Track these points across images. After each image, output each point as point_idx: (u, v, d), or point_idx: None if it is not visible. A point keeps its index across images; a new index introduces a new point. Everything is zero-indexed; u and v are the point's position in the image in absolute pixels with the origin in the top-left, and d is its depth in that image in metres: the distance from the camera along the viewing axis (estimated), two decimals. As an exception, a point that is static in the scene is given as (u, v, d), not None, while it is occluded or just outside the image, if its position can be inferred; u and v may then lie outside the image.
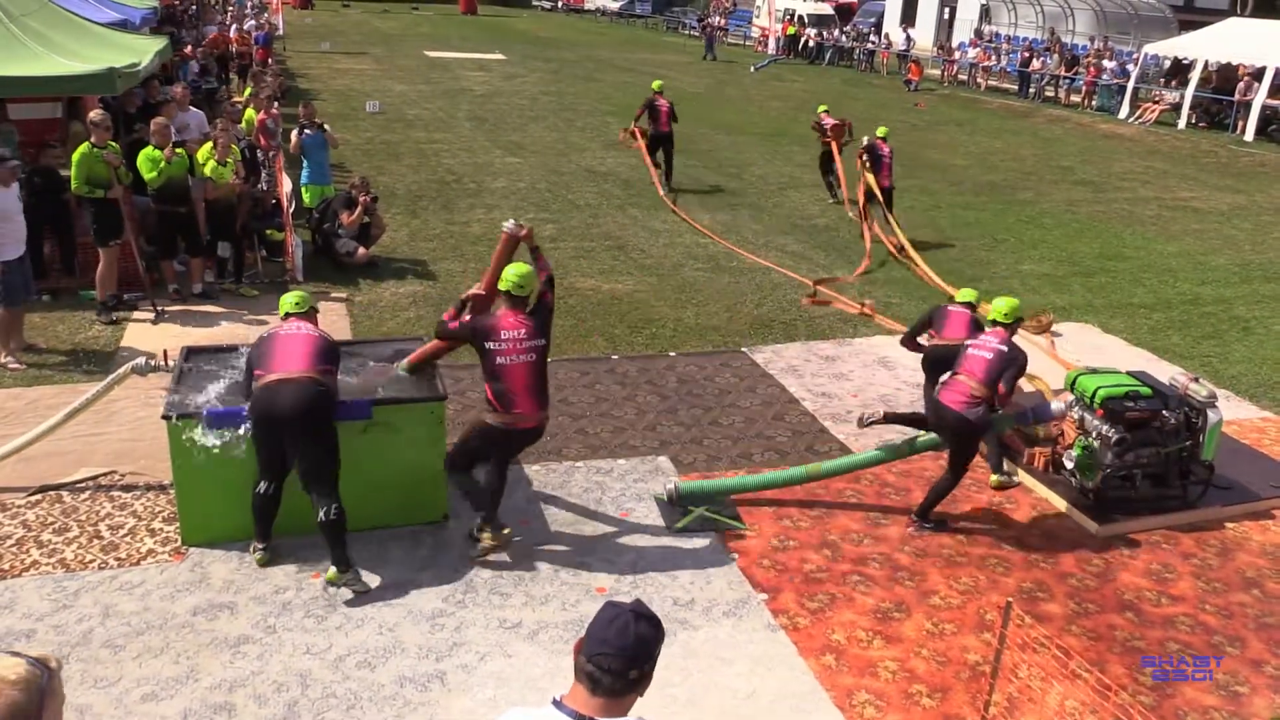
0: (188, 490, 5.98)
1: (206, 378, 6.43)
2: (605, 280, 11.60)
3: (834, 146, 15.90)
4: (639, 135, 16.43)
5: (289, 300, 6.22)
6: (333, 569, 5.68)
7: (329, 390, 5.71)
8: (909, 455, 7.11)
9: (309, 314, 6.17)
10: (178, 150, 9.94)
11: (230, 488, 5.94)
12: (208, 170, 10.22)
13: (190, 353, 6.72)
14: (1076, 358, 9.28)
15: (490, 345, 5.80)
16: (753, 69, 37.76)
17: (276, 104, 15.13)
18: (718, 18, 55.17)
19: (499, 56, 36.62)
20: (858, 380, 9.12)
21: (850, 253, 13.18)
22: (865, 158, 14.01)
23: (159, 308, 9.77)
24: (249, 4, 41.13)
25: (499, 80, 29.88)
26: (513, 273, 5.90)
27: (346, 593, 5.64)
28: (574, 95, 27.75)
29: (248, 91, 15.70)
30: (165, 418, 5.86)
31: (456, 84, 28.84)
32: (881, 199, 13.81)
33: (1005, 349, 6.49)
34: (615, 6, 69.05)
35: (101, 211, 9.41)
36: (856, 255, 13.03)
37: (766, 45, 42.35)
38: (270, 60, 25.91)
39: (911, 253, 12.75)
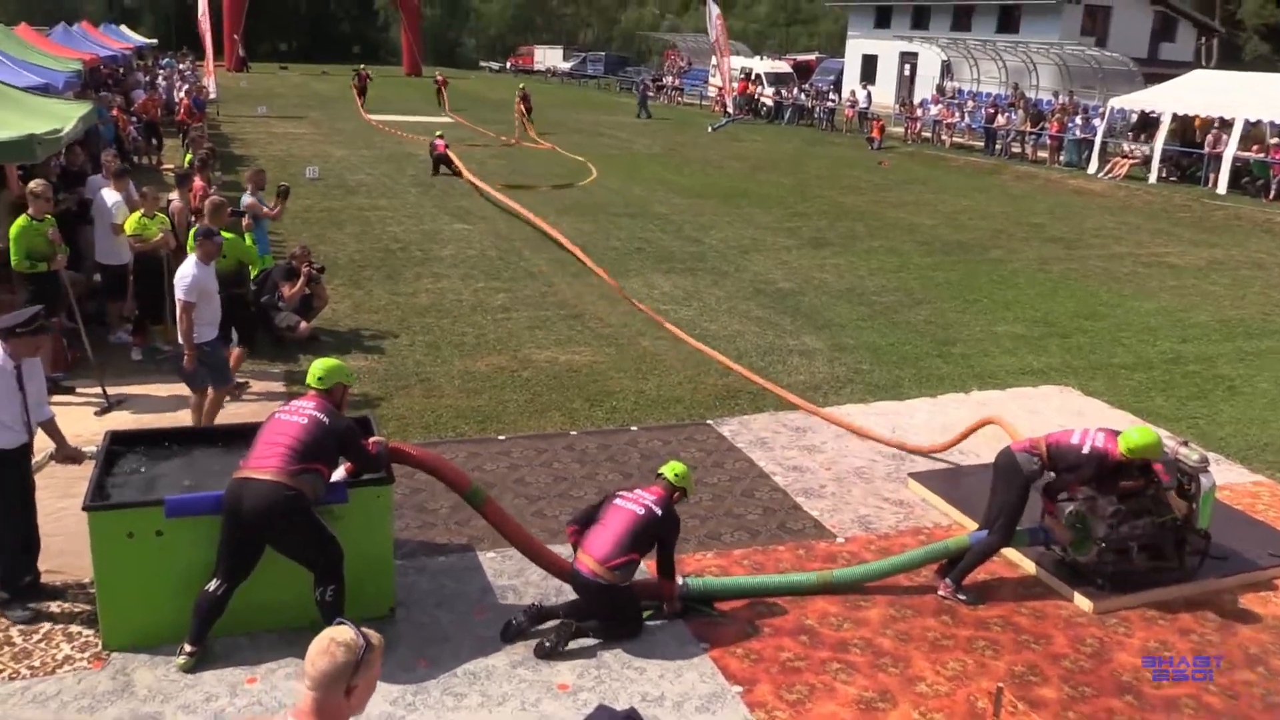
0: (111, 588, 5.77)
1: (134, 466, 6.27)
2: (562, 351, 11.57)
3: (523, 108, 33.54)
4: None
5: (310, 372, 6.08)
6: None
7: (297, 495, 5.53)
8: (941, 558, 6.87)
9: (332, 391, 6.01)
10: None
11: (159, 585, 5.74)
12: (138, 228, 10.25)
13: (115, 439, 6.55)
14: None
15: (620, 491, 6.41)
16: (710, 129, 38.39)
17: (219, 171, 15.11)
18: (670, 77, 56.36)
19: (446, 120, 36.94)
20: (830, 452, 9.09)
21: (817, 317, 13.28)
22: (520, 98, 33.66)
23: (110, 396, 9.30)
24: (180, 66, 41.30)
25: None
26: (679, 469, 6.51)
27: (283, 698, 5.44)
28: (524, 158, 27.99)
29: (188, 158, 15.63)
30: (87, 509, 5.68)
31: (400, 148, 28.99)
32: (527, 113, 33.21)
33: (1098, 455, 6.52)
34: (566, 67, 70.39)
35: (41, 287, 9.21)
36: (824, 319, 13.17)
37: (724, 105, 43.14)
38: (204, 125, 25.94)
39: (535, 136, 31.84)
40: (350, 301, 13.16)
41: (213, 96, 34.19)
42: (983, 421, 8.91)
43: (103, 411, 9.12)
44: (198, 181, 12.78)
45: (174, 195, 12.46)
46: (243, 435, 6.45)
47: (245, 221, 11.08)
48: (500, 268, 15.36)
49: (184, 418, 8.78)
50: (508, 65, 78.94)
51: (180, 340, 8.18)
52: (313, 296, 11.59)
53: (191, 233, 9.90)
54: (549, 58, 74.72)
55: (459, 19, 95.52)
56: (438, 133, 26.01)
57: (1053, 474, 6.75)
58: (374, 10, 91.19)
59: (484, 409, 9.78)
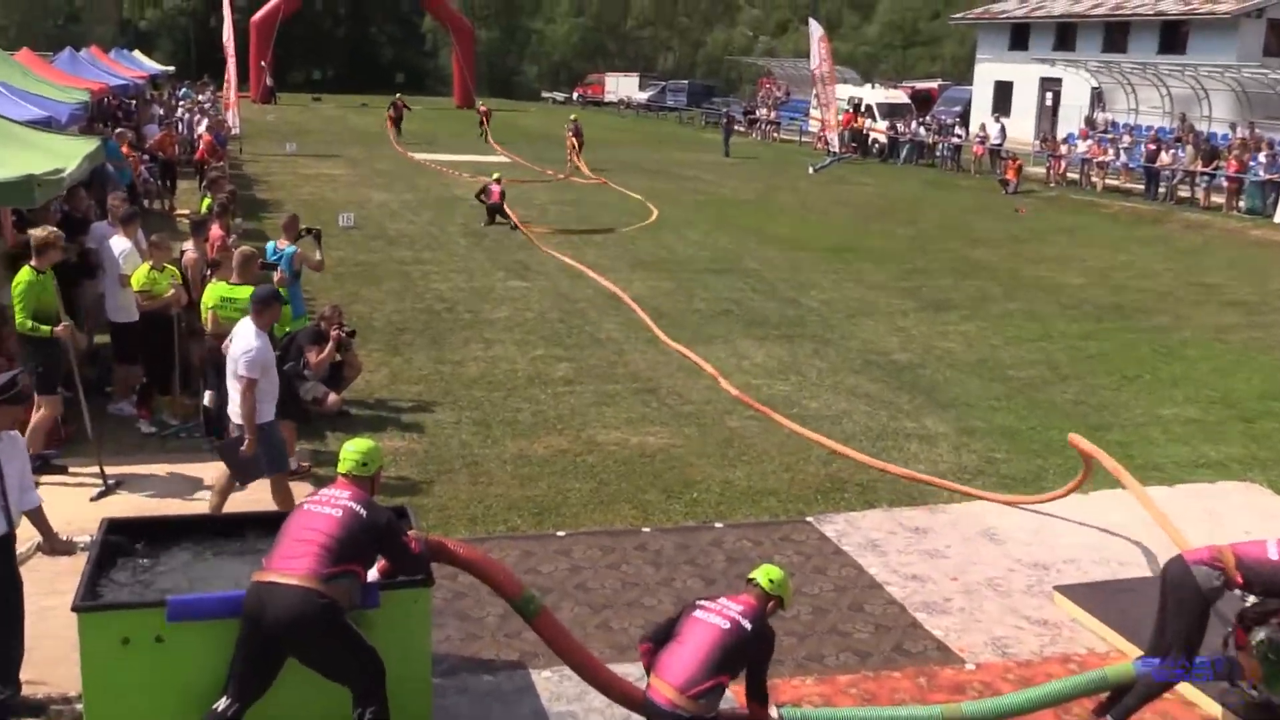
0: (101, 704, 5.82)
1: (133, 560, 6.38)
2: (633, 432, 11.60)
3: (574, 142, 35.95)
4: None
5: (345, 456, 6.13)
6: None
7: (331, 605, 5.55)
8: (1099, 692, 6.70)
9: (374, 479, 6.14)
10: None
11: (157, 701, 5.80)
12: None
13: (113, 527, 6.67)
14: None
15: (700, 601, 6.15)
16: (811, 170, 38.66)
17: (240, 218, 15.55)
18: (764, 109, 56.96)
19: (502, 159, 37.69)
20: (957, 558, 8.96)
21: (941, 394, 13.16)
22: (571, 131, 36.06)
23: (109, 477, 9.48)
24: (199, 97, 42.81)
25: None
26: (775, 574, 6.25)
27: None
28: (593, 204, 28.37)
29: (206, 202, 16.12)
30: (76, 609, 5.78)
31: (449, 192, 29.65)
32: (578, 148, 35.65)
33: None
34: (643, 98, 71.57)
35: (46, 351, 9.44)
36: (948, 397, 13.05)
37: (828, 141, 43.41)
38: (225, 165, 26.78)
39: (586, 170, 34.71)
40: (387, 370, 13.37)
41: (235, 132, 35.29)
42: (1071, 442, 9.36)
43: (100, 495, 9.33)
44: (216, 229, 13.15)
45: (188, 245, 12.83)
46: (263, 525, 6.55)
47: (278, 275, 11.39)
48: (562, 333, 15.52)
49: (195, 504, 8.95)
50: (574, 96, 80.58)
51: (242, 422, 8.20)
52: (343, 364, 11.76)
53: (212, 289, 10.16)
54: (622, 87, 76.08)
55: (518, 43, 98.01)
56: (495, 175, 26.36)
57: (1238, 591, 6.54)
58: (420, 34, 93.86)
59: (541, 499, 9.82)
